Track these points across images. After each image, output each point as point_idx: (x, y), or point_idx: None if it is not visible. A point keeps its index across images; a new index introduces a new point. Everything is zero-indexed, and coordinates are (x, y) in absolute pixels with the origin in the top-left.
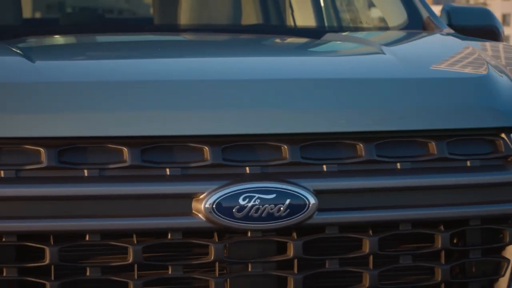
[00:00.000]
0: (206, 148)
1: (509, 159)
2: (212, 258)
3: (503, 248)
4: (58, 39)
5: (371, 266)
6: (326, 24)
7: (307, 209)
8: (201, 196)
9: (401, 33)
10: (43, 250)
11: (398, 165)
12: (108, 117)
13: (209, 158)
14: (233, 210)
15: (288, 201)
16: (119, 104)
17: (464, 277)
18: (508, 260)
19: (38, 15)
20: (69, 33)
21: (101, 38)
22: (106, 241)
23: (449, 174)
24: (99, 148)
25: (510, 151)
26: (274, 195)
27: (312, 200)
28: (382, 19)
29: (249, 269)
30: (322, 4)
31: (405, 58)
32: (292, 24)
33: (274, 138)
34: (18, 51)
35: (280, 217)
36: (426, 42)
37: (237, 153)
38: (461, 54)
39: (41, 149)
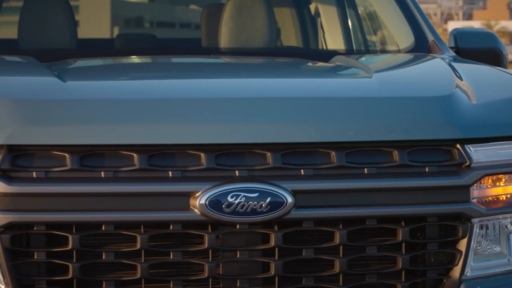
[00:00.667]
0: (202, 155)
1: (462, 166)
2: (206, 246)
3: (457, 241)
4: (95, 61)
5: (341, 255)
6: (344, 46)
7: (285, 206)
8: (197, 194)
9: (401, 56)
10: (67, 238)
11: (365, 170)
12: (121, 128)
13: (204, 163)
14: (223, 206)
15: (269, 199)
16: (129, 118)
17: (423, 266)
18: (461, 252)
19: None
20: (120, 55)
21: (132, 60)
22: (119, 230)
23: (409, 178)
24: (114, 154)
25: (463, 159)
26: (257, 194)
27: (289, 199)
28: (394, 42)
29: (238, 256)
30: (349, 27)
31: (386, 80)
32: (314, 46)
33: (259, 147)
34: (54, 72)
35: (262, 212)
36: (414, 64)
37: (228, 159)
38: (437, 75)
39: (66, 155)
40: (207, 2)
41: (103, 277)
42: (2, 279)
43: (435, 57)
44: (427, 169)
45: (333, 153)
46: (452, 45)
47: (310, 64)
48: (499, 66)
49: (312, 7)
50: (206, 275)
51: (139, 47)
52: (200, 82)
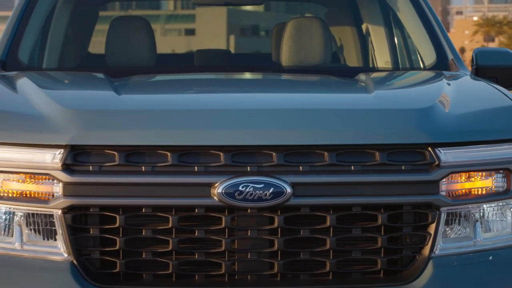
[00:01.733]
0: (221, 154)
1: (433, 165)
2: (223, 225)
3: (427, 225)
4: (154, 77)
5: (331, 234)
6: (390, 63)
7: (284, 195)
8: (216, 185)
9: (414, 74)
10: (115, 218)
11: (352, 167)
12: (158, 132)
13: (222, 160)
14: (235, 194)
15: (271, 189)
16: (165, 125)
17: (399, 245)
18: (431, 234)
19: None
20: (191, 71)
21: (184, 76)
22: (155, 212)
23: (387, 174)
24: (152, 153)
25: (433, 159)
26: (262, 185)
27: (288, 189)
28: (420, 60)
29: (248, 234)
30: (395, 44)
31: (382, 95)
32: (365, 62)
33: (266, 148)
34: (114, 87)
35: (266, 200)
36: (417, 81)
37: (241, 157)
38: (427, 91)
39: (115, 153)
40: (323, 10)
41: (143, 248)
42: (65, 249)
43: (440, 75)
44: (403, 167)
45: (326, 153)
46: (474, 63)
47: (330, 80)
48: None
49: (363, 26)
50: (223, 248)
51: (211, 63)
52: (225, 95)
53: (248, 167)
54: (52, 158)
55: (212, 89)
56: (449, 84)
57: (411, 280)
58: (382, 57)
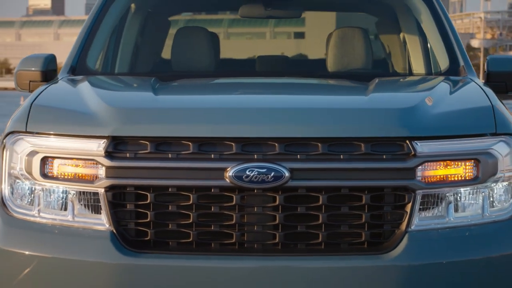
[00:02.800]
0: (233, 144)
1: (410, 155)
2: (234, 202)
3: (404, 205)
4: (197, 81)
5: (323, 211)
6: (423, 69)
7: (283, 178)
8: (228, 169)
9: (423, 78)
10: (146, 195)
11: (341, 156)
12: (182, 127)
13: (234, 149)
14: (243, 177)
15: (272, 173)
16: (188, 120)
17: (381, 221)
18: (407, 212)
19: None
20: (245, 75)
21: (223, 80)
22: (179, 191)
23: (371, 162)
24: (177, 142)
25: (410, 150)
26: (265, 170)
27: (287, 174)
28: (436, 65)
29: (255, 210)
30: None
31: (376, 97)
32: (403, 68)
33: (270, 140)
34: (155, 87)
35: (268, 182)
36: (415, 85)
37: (249, 147)
38: (417, 93)
39: (147, 143)
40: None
41: (169, 221)
42: (107, 221)
43: (444, 80)
44: (384, 156)
45: (319, 144)
46: (486, 69)
47: (340, 85)
48: None
49: (401, 35)
50: (234, 222)
51: (269, 68)
52: (241, 97)
53: (255, 155)
54: (97, 146)
55: (233, 91)
56: (443, 87)
57: (389, 250)
58: (415, 63)
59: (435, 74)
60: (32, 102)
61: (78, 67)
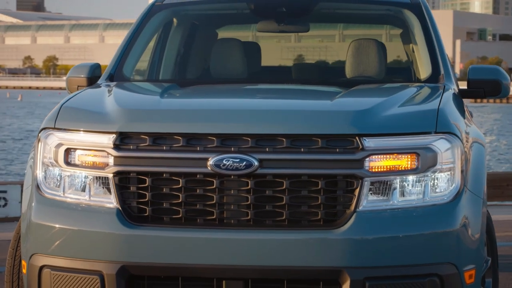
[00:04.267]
0: (214, 139)
1: (358, 149)
2: (215, 186)
3: (353, 190)
4: (207, 87)
5: (286, 194)
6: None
7: (253, 166)
8: (209, 159)
9: (398, 85)
10: (145, 180)
11: (302, 149)
12: (174, 125)
13: (215, 143)
14: (221, 165)
15: (244, 163)
16: (178, 119)
17: (334, 203)
18: (355, 195)
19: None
20: (277, 82)
21: (228, 86)
22: (171, 177)
23: (326, 154)
24: (170, 137)
25: (359, 145)
26: (239, 160)
27: (256, 163)
28: (422, 73)
29: (231, 192)
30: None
31: (339, 101)
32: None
33: (244, 135)
34: (165, 91)
35: (241, 169)
36: (387, 89)
37: (228, 141)
38: (380, 96)
39: (146, 137)
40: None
41: (163, 200)
42: (114, 200)
43: (416, 86)
44: (337, 150)
45: (284, 139)
46: (467, 77)
47: (325, 90)
48: (499, 93)
49: (410, 45)
50: (214, 201)
51: (302, 76)
52: (229, 100)
53: (232, 148)
54: (107, 140)
55: (225, 95)
56: (406, 93)
57: (340, 226)
58: (403, 71)
59: (418, 81)
60: (63, 104)
61: (116, 74)
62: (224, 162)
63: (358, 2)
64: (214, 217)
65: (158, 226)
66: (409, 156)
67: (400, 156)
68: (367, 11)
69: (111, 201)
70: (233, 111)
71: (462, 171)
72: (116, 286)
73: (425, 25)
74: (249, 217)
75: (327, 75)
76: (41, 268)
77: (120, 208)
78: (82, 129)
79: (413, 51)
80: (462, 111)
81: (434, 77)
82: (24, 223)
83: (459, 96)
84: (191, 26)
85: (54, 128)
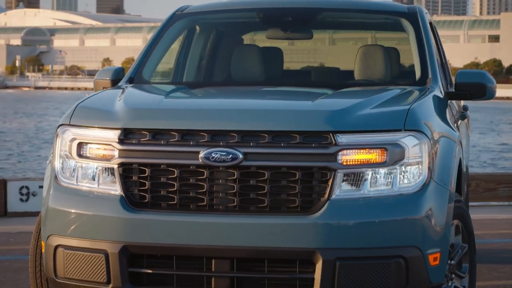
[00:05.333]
0: (205, 134)
1: (332, 144)
2: (205, 176)
3: (327, 180)
4: (214, 89)
5: (268, 184)
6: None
7: (238, 159)
8: (201, 152)
9: (384, 88)
10: (145, 170)
11: (282, 144)
12: (170, 122)
13: (206, 138)
14: (210, 158)
15: (230, 156)
16: (174, 117)
17: (310, 191)
18: (329, 185)
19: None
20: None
21: (229, 88)
22: (168, 168)
23: (303, 148)
24: (167, 133)
25: (332, 141)
26: (225, 153)
27: (241, 156)
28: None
29: (220, 182)
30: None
31: (318, 102)
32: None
33: (231, 131)
34: (171, 92)
35: (227, 161)
36: (369, 91)
37: (217, 137)
38: (359, 97)
39: (147, 133)
40: None
41: (160, 188)
42: (119, 188)
43: (401, 88)
44: (313, 145)
45: (266, 135)
46: (455, 80)
47: (314, 91)
48: (484, 95)
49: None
50: (205, 189)
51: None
52: (222, 100)
53: (220, 142)
54: (113, 135)
55: (220, 96)
56: (385, 94)
57: (314, 212)
58: (396, 74)
59: (407, 83)
60: (78, 104)
61: (136, 77)
62: (213, 155)
63: (361, 12)
64: (205, 203)
65: (156, 211)
66: (378, 151)
67: (370, 150)
68: (369, 19)
69: (116, 189)
70: (221, 110)
71: (429, 165)
72: (118, 263)
73: (418, 32)
74: (235, 203)
75: (338, 79)
76: (56, 247)
77: (123, 195)
78: (92, 126)
79: (398, 55)
80: (439, 111)
81: (422, 80)
82: (44, 209)
83: (443, 98)
84: (209, 33)
85: (69, 125)
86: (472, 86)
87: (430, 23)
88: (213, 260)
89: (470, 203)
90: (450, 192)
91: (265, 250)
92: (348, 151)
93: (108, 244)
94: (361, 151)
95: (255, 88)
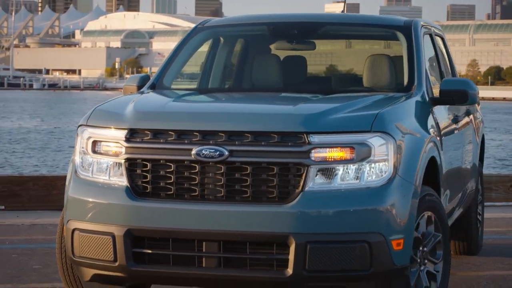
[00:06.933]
0: (198, 134)
1: (306, 143)
2: (197, 170)
3: (301, 174)
4: (216, 94)
5: (250, 177)
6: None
7: (224, 155)
8: (193, 149)
9: (370, 94)
10: (147, 164)
11: (262, 143)
12: (169, 123)
13: (198, 138)
14: (201, 154)
15: (218, 152)
16: (173, 119)
17: (286, 184)
18: (302, 179)
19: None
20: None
21: (231, 93)
22: (165, 162)
23: (280, 147)
24: (166, 132)
25: (306, 140)
26: (214, 150)
27: (226, 153)
28: (398, 84)
29: (210, 175)
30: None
31: (300, 106)
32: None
33: (220, 132)
34: (181, 96)
35: (215, 158)
36: (351, 97)
37: (207, 136)
38: (336, 103)
39: (149, 132)
40: None
41: (160, 180)
42: (126, 180)
43: (383, 94)
44: (289, 144)
45: (249, 135)
46: (440, 88)
47: (303, 96)
48: (466, 100)
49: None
50: (197, 181)
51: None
52: (217, 104)
53: (210, 141)
54: (121, 134)
55: (216, 100)
56: (369, 99)
57: (289, 202)
58: (390, 81)
59: (395, 90)
60: (96, 107)
61: (157, 84)
62: (203, 152)
63: (361, 26)
64: (197, 193)
65: (156, 200)
66: (347, 149)
67: (339, 149)
68: (367, 32)
69: (123, 181)
70: (212, 113)
71: (395, 162)
72: (123, 244)
73: (410, 44)
74: (222, 194)
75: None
76: (73, 230)
77: (129, 186)
78: (105, 126)
79: (392, 63)
80: (415, 114)
81: (408, 87)
82: (65, 197)
83: (426, 103)
84: (228, 43)
85: (87, 125)
86: (455, 92)
87: (430, 35)
88: (203, 243)
89: (506, 203)
90: (415, 186)
91: (247, 234)
92: (320, 149)
93: (115, 227)
94: (332, 149)
95: (253, 93)
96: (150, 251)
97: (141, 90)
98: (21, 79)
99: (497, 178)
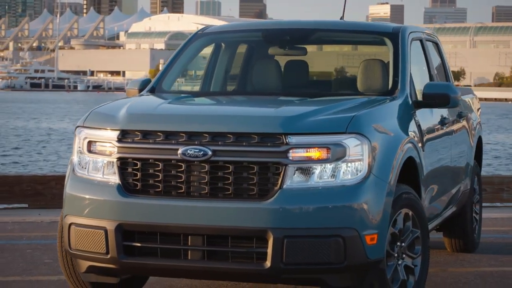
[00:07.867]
0: (184, 135)
1: (284, 143)
2: (183, 169)
3: (279, 173)
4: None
5: (232, 175)
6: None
7: (208, 155)
8: (179, 149)
9: (356, 97)
10: (137, 163)
11: (244, 143)
12: (158, 125)
13: (184, 138)
14: (186, 154)
15: (202, 152)
16: (161, 120)
17: (266, 182)
18: (281, 177)
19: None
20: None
21: (213, 97)
22: (155, 161)
23: (260, 147)
24: (154, 133)
25: (283, 141)
26: (198, 150)
27: (210, 152)
28: (382, 87)
29: (195, 173)
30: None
31: (287, 109)
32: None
33: (204, 133)
34: (174, 99)
35: (200, 157)
36: (335, 100)
37: (192, 137)
38: (318, 106)
39: (139, 133)
40: None
41: (149, 178)
42: (117, 178)
43: (367, 98)
44: (268, 144)
45: (231, 136)
46: (423, 91)
47: (292, 99)
48: (448, 104)
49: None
50: (183, 179)
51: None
52: (203, 107)
53: (195, 141)
54: (114, 135)
55: (202, 103)
56: (350, 102)
57: (268, 199)
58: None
59: (380, 93)
60: (93, 109)
61: (157, 87)
62: (188, 151)
63: (352, 32)
64: (183, 190)
65: (145, 196)
66: (323, 150)
67: (315, 149)
68: (358, 38)
69: (115, 179)
70: (197, 115)
71: (369, 162)
72: (115, 238)
73: (396, 50)
74: (206, 191)
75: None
76: (70, 225)
77: (120, 183)
78: (99, 127)
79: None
80: (395, 117)
81: (392, 90)
82: (64, 194)
83: (408, 106)
84: (225, 48)
85: (83, 126)
86: (437, 96)
87: (421, 41)
88: (189, 236)
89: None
90: (389, 185)
91: (229, 229)
92: (297, 149)
93: (107, 222)
94: (309, 149)
95: (241, 96)
96: (139, 244)
97: (141, 93)
98: (66, 80)
99: (509, 179)
